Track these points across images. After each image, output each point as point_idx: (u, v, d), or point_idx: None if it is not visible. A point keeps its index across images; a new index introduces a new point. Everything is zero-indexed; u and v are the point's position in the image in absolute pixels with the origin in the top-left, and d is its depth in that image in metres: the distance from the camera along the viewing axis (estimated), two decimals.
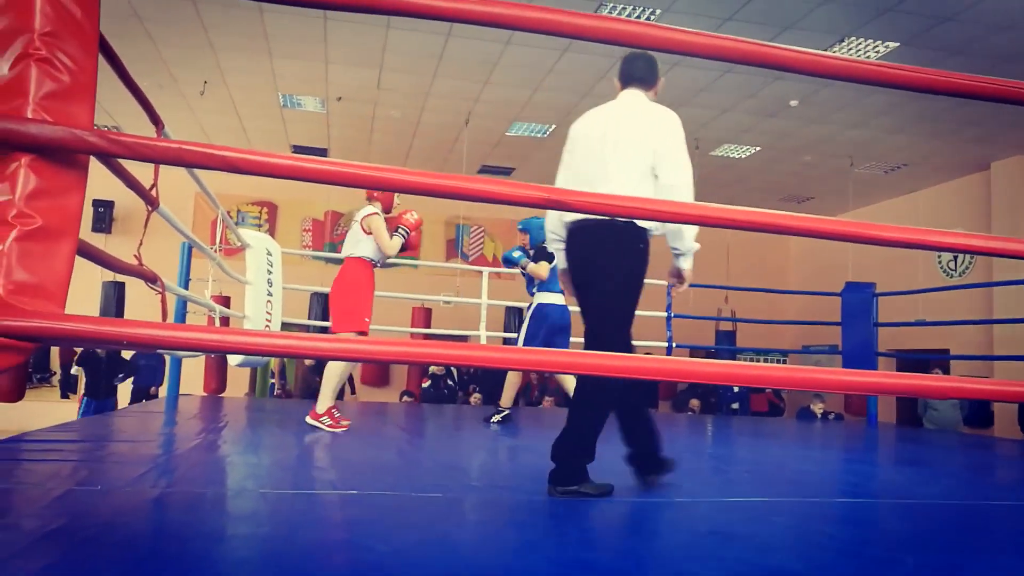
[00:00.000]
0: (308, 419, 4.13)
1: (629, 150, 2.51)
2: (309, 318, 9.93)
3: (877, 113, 8.36)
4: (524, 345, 4.79)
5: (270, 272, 6.15)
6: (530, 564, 1.68)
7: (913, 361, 9.62)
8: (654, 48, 1.47)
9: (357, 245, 4.28)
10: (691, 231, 2.55)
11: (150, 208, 2.59)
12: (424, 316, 10.75)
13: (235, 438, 3.71)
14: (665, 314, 6.95)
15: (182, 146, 1.13)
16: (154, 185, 2.57)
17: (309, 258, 11.69)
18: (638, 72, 2.68)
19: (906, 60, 6.73)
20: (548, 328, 4.83)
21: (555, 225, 2.71)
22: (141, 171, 2.34)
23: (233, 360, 6.11)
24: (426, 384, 9.02)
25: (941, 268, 10.53)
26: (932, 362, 9.81)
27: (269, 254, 6.15)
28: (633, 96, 2.67)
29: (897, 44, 6.65)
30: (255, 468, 2.95)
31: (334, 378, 4.14)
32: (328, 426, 4.08)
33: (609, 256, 2.51)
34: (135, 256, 2.47)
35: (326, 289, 8.96)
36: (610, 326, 2.54)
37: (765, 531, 2.13)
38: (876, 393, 1.86)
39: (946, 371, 9.82)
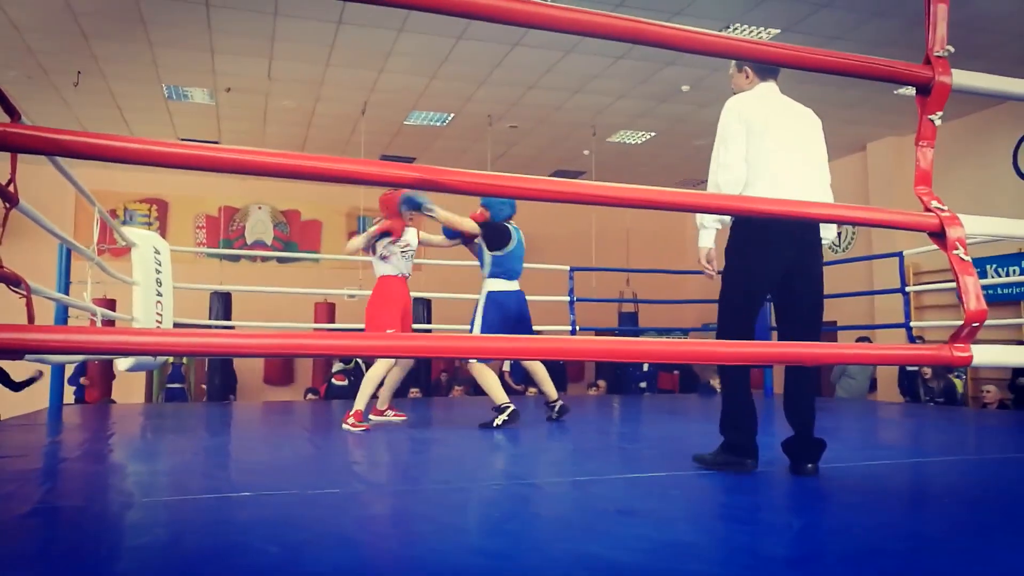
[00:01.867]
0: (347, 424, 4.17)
1: (818, 145, 2.77)
2: (210, 317, 9.53)
3: None
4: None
5: (159, 272, 5.84)
6: (425, 556, 1.64)
7: None
8: (546, 27, 1.45)
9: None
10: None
11: (7, 206, 2.40)
12: (327, 311, 10.51)
13: (121, 447, 3.51)
14: (568, 298, 7.02)
15: (7, 129, 1.02)
16: (11, 180, 2.37)
17: (204, 256, 11.24)
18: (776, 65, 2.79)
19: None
20: (505, 319, 4.33)
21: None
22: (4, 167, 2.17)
23: (122, 364, 5.79)
24: (343, 383, 8.67)
25: (827, 244, 11.07)
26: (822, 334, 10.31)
27: (157, 253, 5.84)
28: (777, 90, 2.80)
29: (779, 30, 6.91)
30: (141, 477, 2.80)
31: (369, 382, 4.24)
32: (351, 425, 4.11)
33: (818, 258, 2.78)
34: None
35: (224, 287, 8.73)
36: (819, 323, 2.74)
37: (664, 506, 2.17)
38: (765, 363, 1.92)
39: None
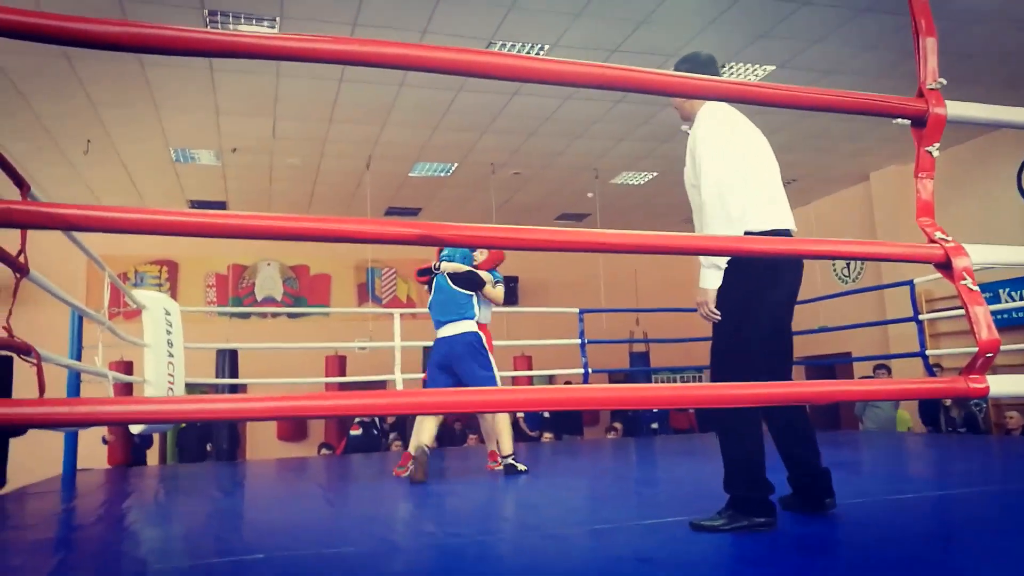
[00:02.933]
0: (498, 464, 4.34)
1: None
2: (217, 376, 9.52)
3: (766, 132, 8.74)
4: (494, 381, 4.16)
5: (169, 332, 5.87)
6: None
7: (820, 367, 9.99)
8: (547, 81, 1.46)
9: None
10: None
11: (18, 276, 2.42)
12: (338, 364, 10.50)
13: (133, 512, 3.48)
14: (579, 341, 7.00)
15: (10, 206, 1.04)
16: (21, 251, 2.40)
17: (215, 314, 11.30)
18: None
19: (783, 81, 7.08)
20: (432, 366, 4.40)
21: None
22: (13, 237, 2.19)
23: (134, 428, 5.79)
24: (357, 432, 8.67)
25: (836, 275, 11.04)
26: (837, 366, 10.21)
27: (168, 314, 5.87)
28: None
29: (774, 67, 6.99)
30: (153, 543, 2.76)
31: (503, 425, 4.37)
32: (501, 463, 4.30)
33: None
34: (4, 327, 2.29)
35: (232, 345, 8.73)
36: None
37: (684, 552, 2.12)
38: (780, 403, 1.89)
39: (850, 374, 10.24)
